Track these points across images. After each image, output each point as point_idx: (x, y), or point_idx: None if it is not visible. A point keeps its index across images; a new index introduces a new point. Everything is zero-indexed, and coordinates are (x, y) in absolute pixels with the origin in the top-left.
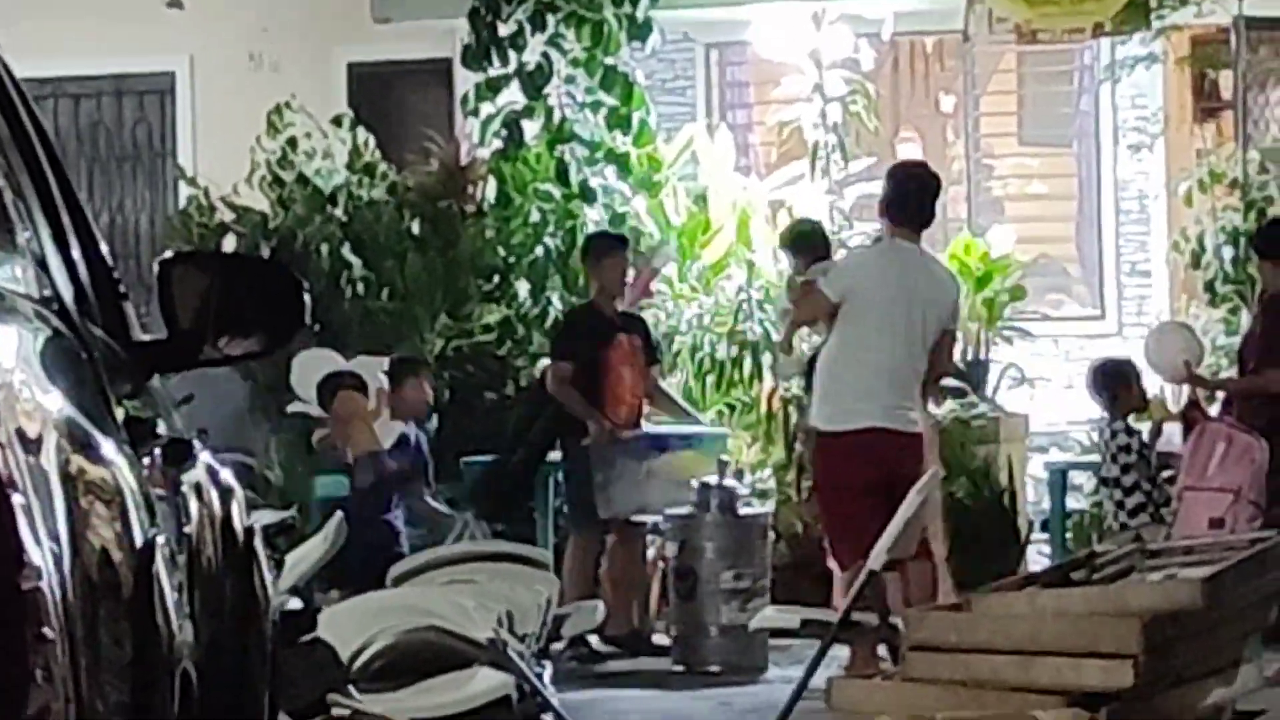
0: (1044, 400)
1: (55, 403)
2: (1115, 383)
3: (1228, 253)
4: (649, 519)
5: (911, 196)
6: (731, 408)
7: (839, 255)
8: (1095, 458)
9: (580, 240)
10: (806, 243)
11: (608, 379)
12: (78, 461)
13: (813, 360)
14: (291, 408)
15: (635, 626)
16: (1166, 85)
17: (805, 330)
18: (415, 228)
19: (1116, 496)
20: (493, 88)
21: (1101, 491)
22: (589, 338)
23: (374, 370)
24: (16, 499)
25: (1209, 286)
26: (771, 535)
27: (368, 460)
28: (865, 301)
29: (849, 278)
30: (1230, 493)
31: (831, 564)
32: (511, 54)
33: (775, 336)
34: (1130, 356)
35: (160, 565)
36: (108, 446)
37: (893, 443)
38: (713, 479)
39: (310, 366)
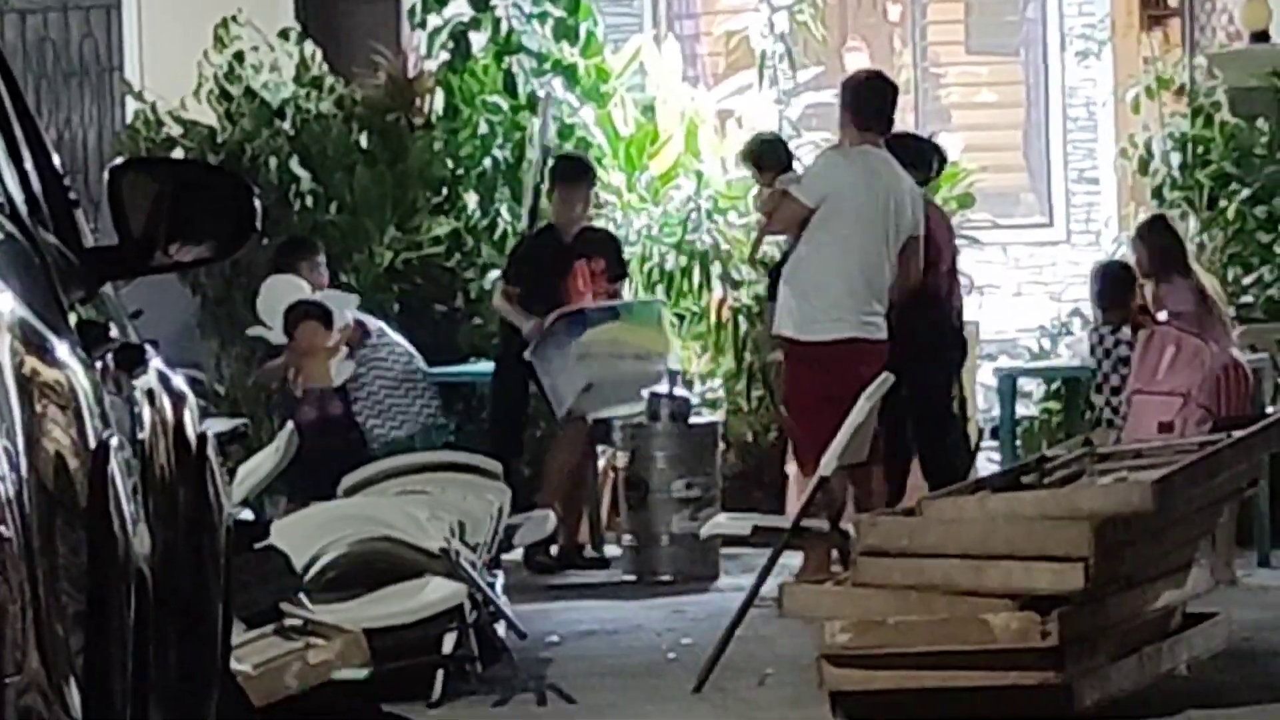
0: (993, 308)
1: (7, 304)
2: (1116, 288)
3: (1175, 159)
4: (607, 414)
5: (874, 102)
6: (681, 318)
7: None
8: (1045, 364)
9: (528, 152)
10: (771, 155)
11: (568, 296)
12: (31, 363)
13: (777, 268)
14: (251, 331)
15: (576, 540)
16: None
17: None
18: (363, 141)
19: (1110, 400)
20: (440, 0)
21: (1095, 396)
22: (545, 267)
23: (343, 305)
24: None
25: (1157, 193)
26: (722, 445)
27: (316, 395)
28: (842, 206)
29: (825, 182)
30: (1179, 396)
31: (789, 470)
32: None
33: (724, 246)
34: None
35: (115, 467)
36: (61, 349)
37: (865, 351)
38: (663, 388)
39: (278, 292)
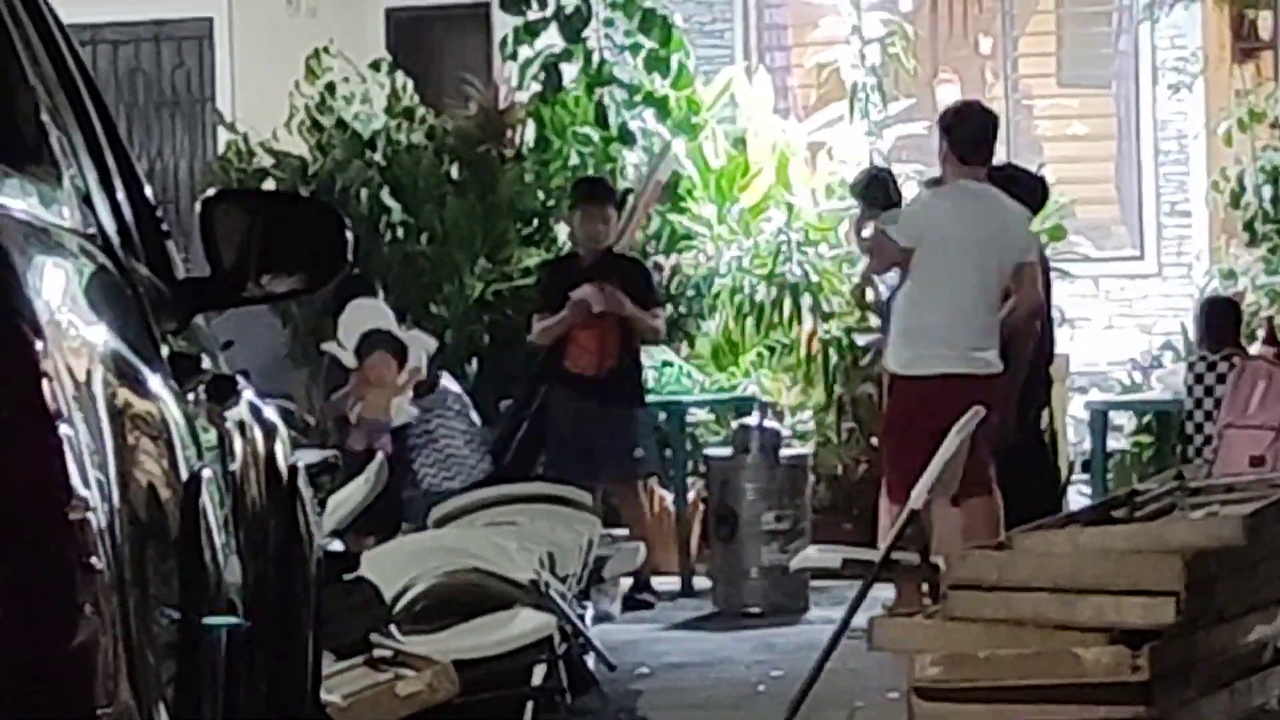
0: (1084, 341)
1: (101, 336)
2: (1221, 320)
3: (1267, 192)
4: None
5: (973, 134)
6: (771, 350)
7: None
8: (1136, 397)
9: (618, 183)
10: (880, 190)
11: (571, 328)
12: (124, 395)
13: (888, 303)
14: (326, 346)
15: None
16: (1205, 25)
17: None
18: (454, 172)
19: (1207, 430)
20: (531, 31)
21: (1188, 424)
22: (559, 288)
23: (420, 347)
24: (64, 430)
25: (1248, 226)
26: (811, 477)
27: (368, 427)
28: (936, 245)
29: (918, 222)
30: (1271, 430)
31: (881, 504)
32: None
33: (815, 278)
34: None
35: (206, 500)
36: (154, 381)
37: (968, 387)
38: (753, 420)
39: (361, 315)
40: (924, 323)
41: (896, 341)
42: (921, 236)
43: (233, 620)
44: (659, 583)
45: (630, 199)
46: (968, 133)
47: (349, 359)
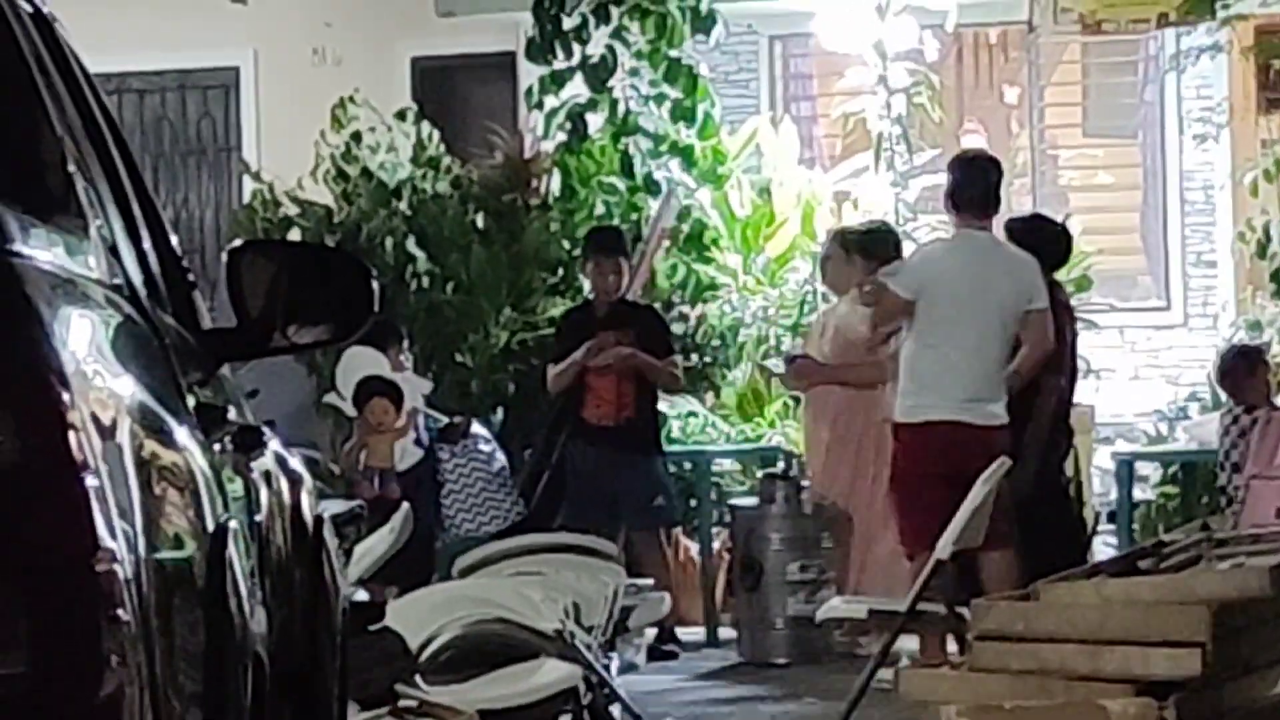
0: (1110, 391)
1: (127, 387)
2: (1245, 371)
3: None
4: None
5: (972, 185)
6: (796, 400)
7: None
8: (1162, 448)
9: (644, 233)
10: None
11: (586, 377)
12: (150, 446)
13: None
14: (328, 399)
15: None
16: (1231, 75)
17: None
18: (480, 221)
19: (1236, 481)
20: (557, 81)
21: (1221, 475)
22: (573, 338)
23: (416, 389)
24: (90, 481)
25: (1275, 277)
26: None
27: (376, 476)
28: (936, 297)
29: (918, 274)
30: None
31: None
32: (575, 47)
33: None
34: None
35: (232, 551)
36: (180, 432)
37: (968, 436)
38: (778, 471)
39: (356, 364)
40: (922, 372)
41: (900, 391)
42: (922, 288)
43: None
44: (684, 633)
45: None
46: (966, 184)
47: (349, 409)
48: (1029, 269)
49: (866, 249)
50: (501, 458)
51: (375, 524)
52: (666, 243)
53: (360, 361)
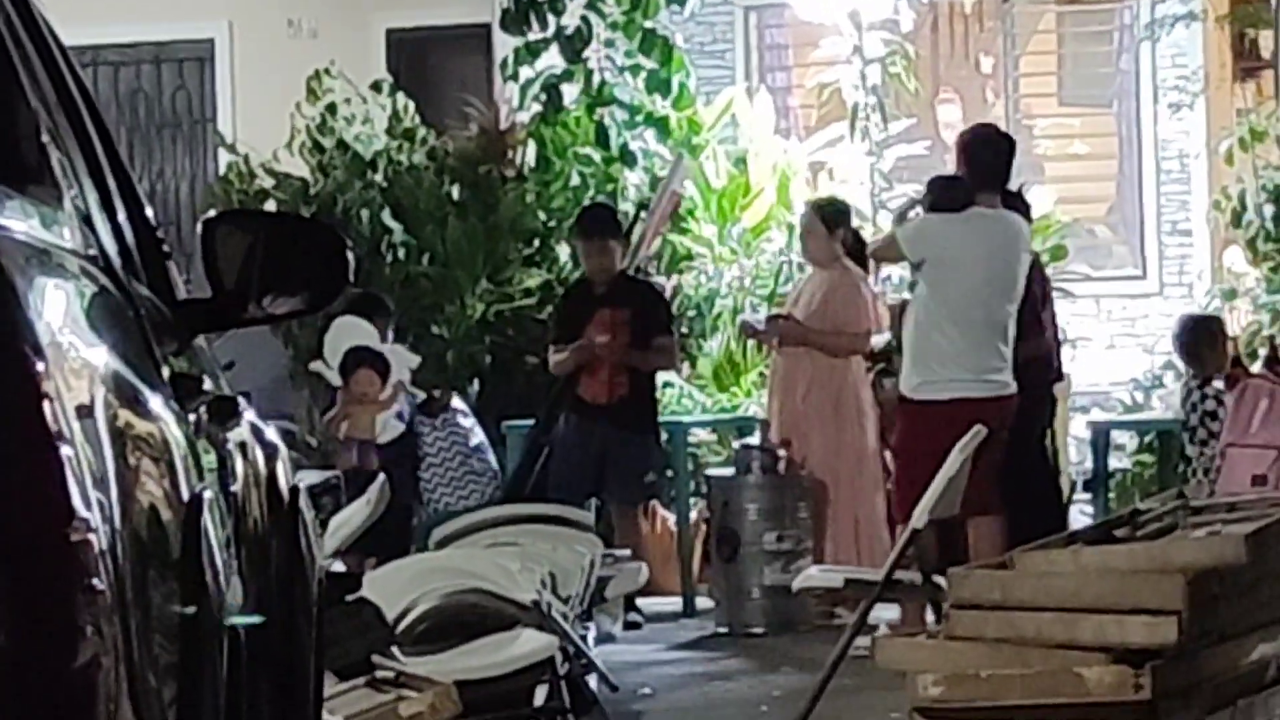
0: (1085, 360)
1: (102, 357)
2: (1201, 341)
3: (1269, 210)
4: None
5: (986, 159)
6: (774, 370)
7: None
8: (1137, 416)
9: (620, 204)
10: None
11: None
12: (125, 416)
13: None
14: (313, 366)
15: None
16: (1206, 44)
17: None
18: (455, 193)
19: (1204, 451)
20: (532, 52)
21: (1189, 448)
22: (573, 316)
23: (403, 362)
24: (65, 451)
25: (1250, 245)
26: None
27: (355, 447)
28: (943, 270)
29: (925, 244)
30: (1273, 449)
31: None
32: (550, 18)
33: None
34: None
35: (208, 521)
36: (155, 402)
37: (979, 409)
38: (755, 441)
39: (345, 334)
40: (934, 347)
41: (907, 365)
42: (924, 258)
43: (255, 619)
44: (662, 603)
45: (644, 214)
46: (986, 160)
47: (334, 378)
48: (1028, 236)
49: (831, 220)
50: (480, 433)
51: (353, 495)
52: (675, 209)
53: (349, 331)
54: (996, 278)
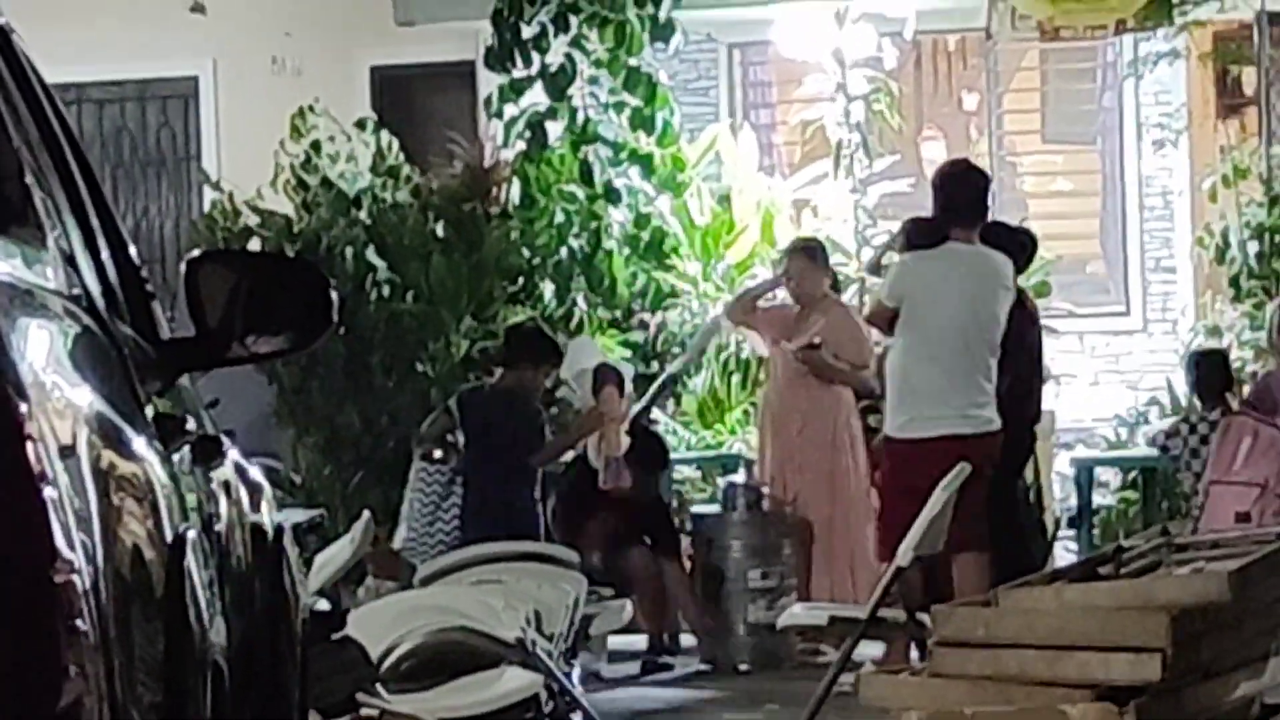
0: (1069, 397)
1: (85, 398)
2: (1210, 374)
3: (1252, 248)
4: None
5: (962, 194)
6: (756, 406)
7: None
8: (1122, 453)
9: (604, 241)
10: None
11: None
12: (108, 457)
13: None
14: (562, 393)
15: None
16: (1190, 81)
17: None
18: (440, 230)
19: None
20: (516, 89)
21: (1186, 477)
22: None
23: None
24: (48, 492)
25: (1234, 282)
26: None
27: (615, 465)
28: (919, 307)
29: (901, 284)
30: (1257, 486)
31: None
32: (535, 55)
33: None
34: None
35: (191, 561)
36: (138, 442)
37: (965, 446)
38: (739, 478)
39: (581, 353)
40: (916, 385)
41: (891, 404)
42: (905, 297)
43: None
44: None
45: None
46: (960, 195)
47: (582, 398)
48: (1008, 271)
49: (817, 255)
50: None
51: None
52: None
53: (585, 350)
54: (974, 313)
